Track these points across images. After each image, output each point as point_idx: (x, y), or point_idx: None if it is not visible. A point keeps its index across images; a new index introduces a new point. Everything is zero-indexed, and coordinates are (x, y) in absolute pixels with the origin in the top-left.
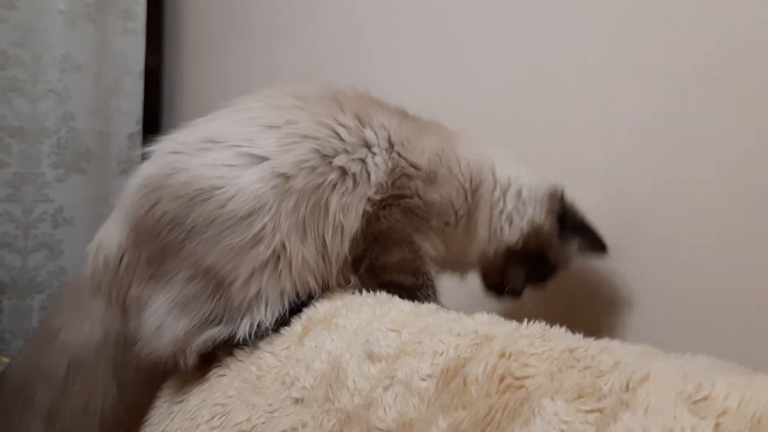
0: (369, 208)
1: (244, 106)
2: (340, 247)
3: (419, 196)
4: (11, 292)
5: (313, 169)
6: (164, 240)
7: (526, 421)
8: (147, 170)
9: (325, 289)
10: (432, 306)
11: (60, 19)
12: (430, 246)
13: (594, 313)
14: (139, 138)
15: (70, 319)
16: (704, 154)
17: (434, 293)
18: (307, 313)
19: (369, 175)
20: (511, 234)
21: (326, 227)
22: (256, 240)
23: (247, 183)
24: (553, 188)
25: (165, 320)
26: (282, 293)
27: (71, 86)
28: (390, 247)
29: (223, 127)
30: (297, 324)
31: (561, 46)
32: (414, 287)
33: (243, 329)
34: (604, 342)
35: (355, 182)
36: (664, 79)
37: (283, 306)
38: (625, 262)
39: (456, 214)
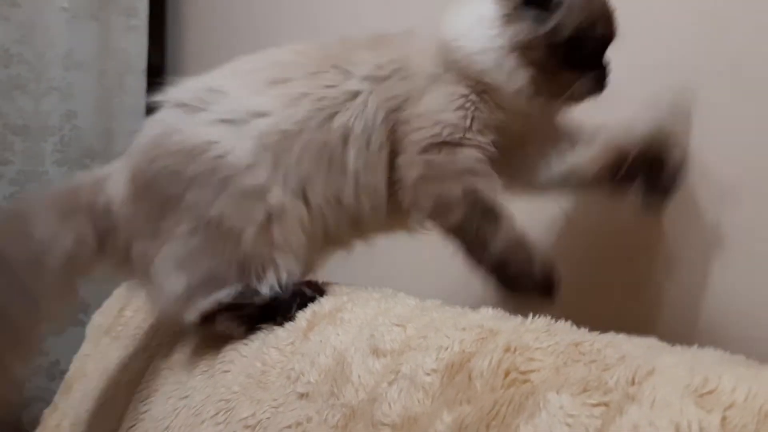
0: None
1: (246, 61)
2: (368, 206)
3: (412, 115)
4: None
5: (318, 127)
6: (164, 193)
7: (532, 415)
8: (150, 127)
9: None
10: (436, 302)
11: (63, 17)
12: (467, 148)
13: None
14: None
15: (50, 222)
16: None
17: (483, 214)
18: (312, 307)
19: (372, 129)
20: (505, 79)
21: (344, 185)
22: (261, 191)
23: (242, 143)
24: None
25: (169, 278)
26: (291, 252)
27: (74, 84)
28: (418, 192)
29: (224, 79)
30: (302, 319)
31: None
32: (462, 221)
33: (254, 290)
34: (610, 336)
35: (366, 138)
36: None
37: (293, 271)
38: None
39: (461, 93)
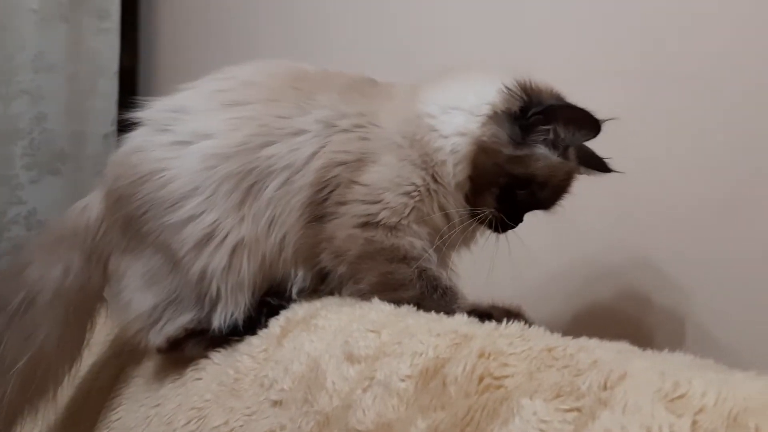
0: (310, 208)
1: (220, 78)
2: (278, 242)
3: (358, 183)
4: None
5: (248, 152)
6: (128, 214)
7: (505, 421)
8: (123, 145)
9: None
10: (411, 308)
11: (32, 19)
12: (406, 234)
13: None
14: (114, 138)
15: (41, 259)
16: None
17: (444, 297)
18: (286, 314)
19: (300, 168)
20: (455, 170)
21: (261, 217)
22: (191, 219)
23: (186, 166)
24: (505, 85)
25: (134, 295)
26: (234, 276)
27: (44, 87)
28: (360, 267)
29: (191, 98)
30: (275, 326)
31: (540, 44)
32: (419, 297)
33: (213, 320)
34: (582, 341)
35: (288, 175)
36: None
37: (240, 299)
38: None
39: (411, 181)
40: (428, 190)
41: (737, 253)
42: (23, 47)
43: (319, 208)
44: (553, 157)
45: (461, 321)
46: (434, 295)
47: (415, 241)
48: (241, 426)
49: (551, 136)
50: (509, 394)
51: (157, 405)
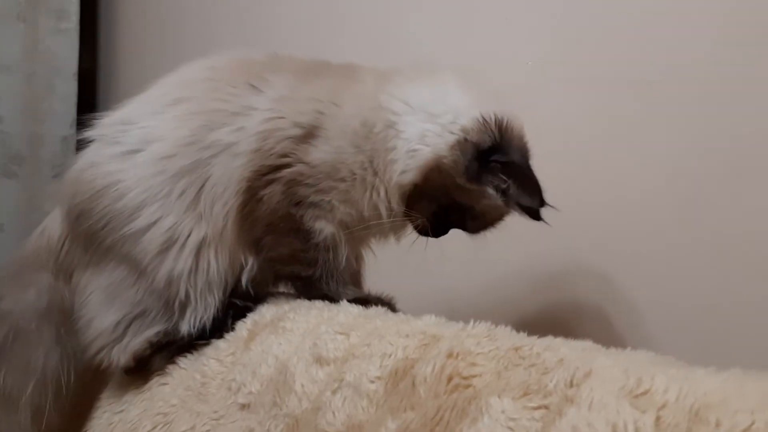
0: (249, 183)
1: (162, 82)
2: (227, 223)
3: (302, 161)
4: None
5: (192, 144)
6: (89, 230)
7: (474, 420)
8: (77, 162)
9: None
10: (380, 309)
11: None
12: (326, 223)
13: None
14: (73, 141)
15: (11, 289)
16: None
17: (337, 284)
18: (253, 317)
19: (244, 142)
20: (403, 173)
21: (212, 203)
22: (150, 226)
23: (138, 174)
24: (483, 116)
25: (97, 311)
26: (203, 277)
27: (0, 87)
28: (280, 237)
29: (137, 107)
30: (242, 329)
31: (500, 53)
32: (311, 278)
33: (182, 327)
34: (548, 340)
35: (232, 153)
36: (601, 84)
37: (210, 299)
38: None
39: (350, 169)
40: (364, 179)
41: (690, 251)
42: None
43: (259, 175)
44: (497, 200)
45: (429, 322)
46: (329, 282)
47: (327, 226)
48: (208, 430)
49: (502, 185)
50: (478, 393)
51: (121, 411)
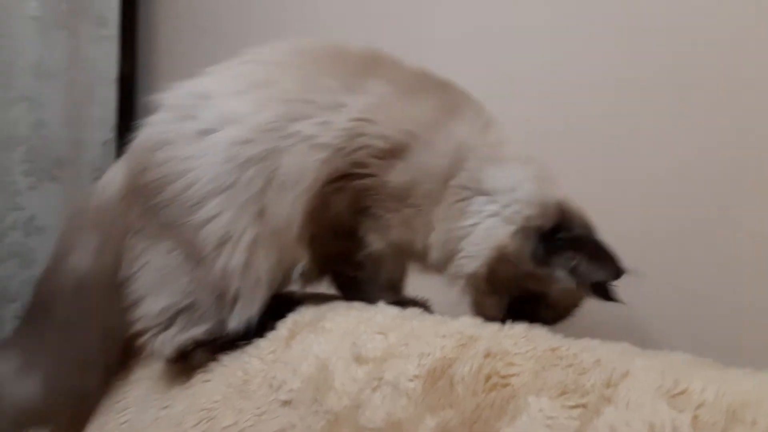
0: (323, 185)
1: (246, 60)
2: (290, 217)
3: (378, 176)
4: None
5: (272, 131)
6: (153, 207)
7: (513, 418)
8: (149, 132)
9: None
10: (416, 310)
11: (32, 26)
12: (378, 238)
13: None
14: (113, 145)
15: (74, 245)
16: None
17: (378, 290)
18: (293, 317)
19: (327, 135)
20: (468, 263)
21: (279, 194)
22: (211, 218)
23: (209, 161)
24: (542, 199)
25: (147, 292)
26: (249, 273)
27: (44, 93)
28: (333, 237)
29: (216, 81)
30: (283, 328)
31: (530, 54)
32: (355, 279)
33: (229, 324)
34: (585, 341)
35: (310, 144)
36: (634, 84)
37: (258, 297)
38: None
39: (421, 199)
40: (429, 213)
41: (735, 254)
42: (23, 54)
43: (334, 177)
44: (571, 283)
45: (466, 323)
46: (370, 287)
47: (378, 242)
48: (251, 426)
49: (573, 263)
50: (516, 392)
51: (166, 407)
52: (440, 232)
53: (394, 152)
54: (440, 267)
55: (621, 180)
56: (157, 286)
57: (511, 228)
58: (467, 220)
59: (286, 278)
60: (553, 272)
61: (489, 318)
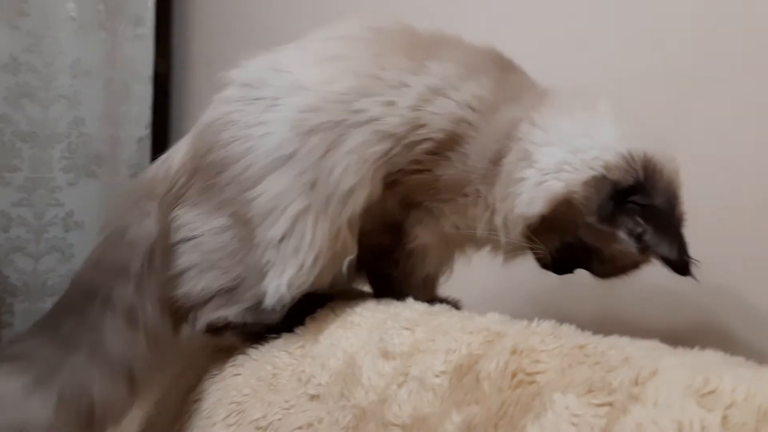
0: (384, 179)
1: (319, 36)
2: (346, 202)
3: (431, 171)
4: (23, 295)
5: (341, 103)
6: (213, 182)
7: (538, 415)
8: (216, 109)
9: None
10: (444, 306)
11: (71, 26)
12: (426, 230)
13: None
14: (148, 142)
15: (133, 218)
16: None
17: (410, 289)
18: (322, 312)
19: (391, 123)
20: (529, 204)
21: (335, 167)
22: (264, 193)
23: (269, 137)
24: (630, 152)
25: (191, 270)
26: (292, 240)
27: (82, 92)
28: (375, 228)
29: (290, 56)
30: (311, 323)
31: (557, 47)
32: (390, 277)
33: (265, 301)
34: (613, 338)
35: (375, 131)
36: (664, 79)
37: (305, 280)
38: None
39: (476, 188)
40: (486, 200)
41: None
42: (62, 53)
43: (391, 172)
44: (632, 247)
45: (493, 319)
46: (403, 286)
47: (424, 234)
48: (279, 419)
49: (638, 230)
50: (542, 389)
51: (197, 400)
52: (504, 208)
53: (450, 142)
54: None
55: None
56: (204, 268)
57: (587, 174)
58: (535, 167)
59: (335, 266)
60: (615, 231)
61: (538, 258)
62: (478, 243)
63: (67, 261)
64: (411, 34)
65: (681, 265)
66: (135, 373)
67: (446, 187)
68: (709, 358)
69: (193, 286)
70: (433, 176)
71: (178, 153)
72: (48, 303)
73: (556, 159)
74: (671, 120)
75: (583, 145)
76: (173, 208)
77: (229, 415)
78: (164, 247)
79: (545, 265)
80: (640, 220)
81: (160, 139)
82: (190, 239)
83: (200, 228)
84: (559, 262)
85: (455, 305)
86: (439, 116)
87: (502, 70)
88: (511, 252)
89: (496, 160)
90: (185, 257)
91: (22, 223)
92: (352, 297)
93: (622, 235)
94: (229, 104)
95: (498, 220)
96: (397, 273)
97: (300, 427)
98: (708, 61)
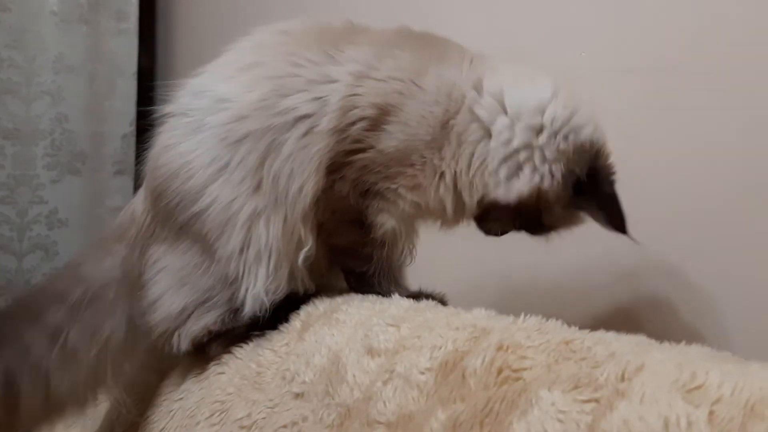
0: (327, 169)
1: (235, 48)
2: (297, 201)
3: (373, 147)
4: (7, 294)
5: (263, 109)
6: (165, 209)
7: (524, 412)
8: (156, 144)
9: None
10: (430, 302)
11: (53, 21)
12: (389, 216)
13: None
14: (132, 139)
15: (92, 256)
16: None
17: (388, 282)
18: (307, 309)
19: (325, 119)
20: (505, 191)
21: (280, 174)
22: (212, 203)
23: (203, 148)
24: (588, 139)
25: (165, 293)
26: (252, 246)
27: (65, 87)
28: (341, 226)
29: (208, 75)
30: (296, 320)
31: (553, 42)
32: (365, 275)
33: (240, 309)
34: (599, 334)
35: (311, 130)
36: (657, 74)
37: (273, 280)
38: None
39: (421, 154)
40: (432, 164)
41: (751, 249)
42: (44, 49)
43: (335, 162)
44: (582, 221)
45: (479, 315)
46: (380, 280)
47: (389, 220)
48: (263, 418)
49: (593, 212)
50: (528, 385)
51: (180, 399)
52: (460, 171)
53: (385, 115)
54: (466, 211)
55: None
56: (175, 288)
57: (556, 168)
58: (493, 145)
59: (292, 258)
60: (577, 214)
61: (486, 231)
62: (436, 215)
63: (51, 259)
64: (320, 30)
65: (624, 230)
66: (51, 388)
67: (392, 160)
68: (695, 353)
69: (168, 307)
70: (377, 152)
71: (140, 197)
72: None
73: (517, 141)
74: (657, 114)
75: (537, 123)
76: (147, 249)
77: (212, 415)
78: (136, 285)
79: (488, 231)
80: (594, 201)
81: (145, 135)
82: (160, 270)
83: (168, 257)
84: (503, 232)
85: (441, 300)
86: (368, 95)
87: (417, 39)
88: (451, 222)
89: (444, 123)
90: (156, 286)
91: (5, 221)
92: (338, 294)
93: (581, 215)
94: (165, 134)
95: (447, 179)
96: (374, 268)
97: (284, 426)
98: (691, 56)
